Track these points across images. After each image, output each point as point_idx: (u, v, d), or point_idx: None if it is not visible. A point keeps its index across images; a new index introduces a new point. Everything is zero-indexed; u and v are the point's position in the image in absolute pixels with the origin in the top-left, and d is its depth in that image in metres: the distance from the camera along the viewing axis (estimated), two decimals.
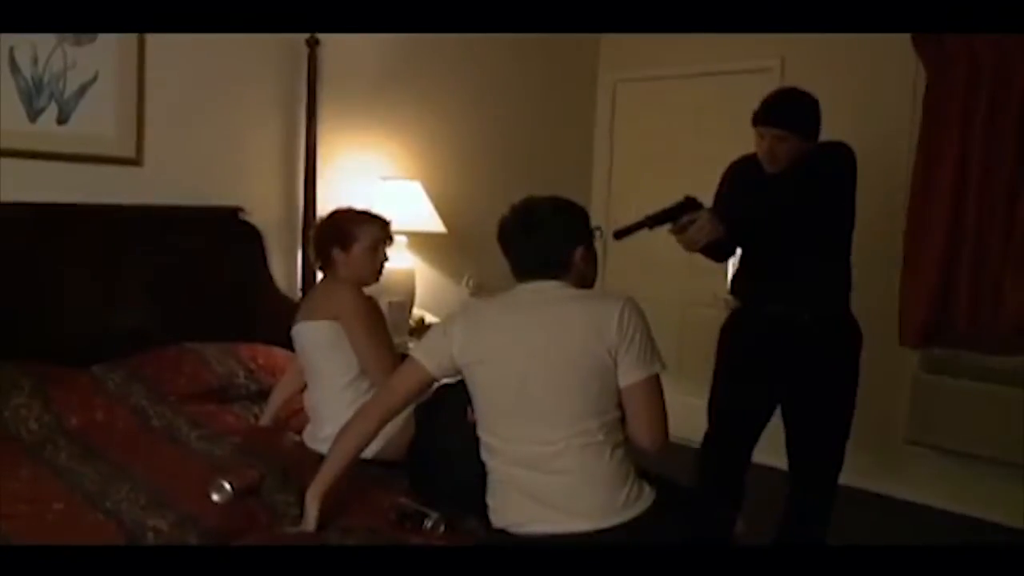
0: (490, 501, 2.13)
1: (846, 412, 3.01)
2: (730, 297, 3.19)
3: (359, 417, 2.23)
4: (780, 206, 2.82)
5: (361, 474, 2.46)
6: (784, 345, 2.94)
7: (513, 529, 2.05)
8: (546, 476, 2.01)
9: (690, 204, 2.73)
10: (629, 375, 2.02)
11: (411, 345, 3.82)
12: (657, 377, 2.06)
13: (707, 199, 2.89)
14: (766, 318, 2.97)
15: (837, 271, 3.01)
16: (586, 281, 2.20)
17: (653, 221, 2.72)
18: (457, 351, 2.12)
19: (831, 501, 3.08)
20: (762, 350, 2.98)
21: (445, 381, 2.29)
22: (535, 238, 2.15)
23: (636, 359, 2.02)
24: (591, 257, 2.21)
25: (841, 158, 2.91)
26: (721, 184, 3.12)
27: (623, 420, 2.06)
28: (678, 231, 2.70)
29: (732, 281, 3.17)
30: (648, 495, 2.04)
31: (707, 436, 3.13)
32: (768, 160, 2.90)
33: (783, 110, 2.90)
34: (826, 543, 3.02)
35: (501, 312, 2.15)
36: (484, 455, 2.13)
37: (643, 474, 2.09)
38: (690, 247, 2.74)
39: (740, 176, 3.08)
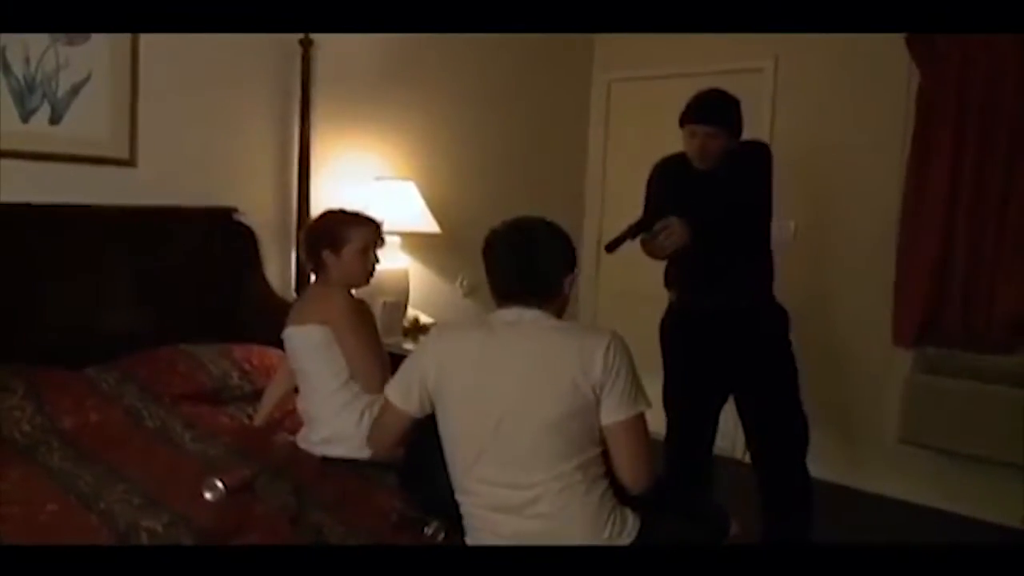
0: (468, 542, 2.05)
1: (794, 391, 3.15)
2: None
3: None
4: (723, 203, 2.96)
5: (356, 475, 2.47)
6: (726, 334, 3.09)
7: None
8: (524, 520, 1.94)
9: (659, 212, 2.89)
10: (612, 414, 1.94)
11: (408, 346, 3.83)
12: (642, 415, 1.98)
13: None
14: (707, 310, 3.12)
15: (765, 260, 3.18)
16: (563, 310, 2.14)
17: (634, 231, 2.87)
18: (432, 386, 2.05)
19: (808, 484, 3.18)
20: (706, 340, 3.13)
21: None
22: (531, 258, 2.05)
23: (620, 397, 1.94)
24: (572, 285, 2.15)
25: (763, 155, 3.10)
26: (649, 185, 3.26)
27: (604, 454, 1.99)
28: (649, 239, 2.89)
29: (666, 275, 3.28)
30: (632, 526, 1.98)
31: (669, 430, 3.25)
32: (699, 157, 3.03)
33: (713, 108, 3.05)
34: (811, 531, 3.13)
35: (477, 344, 2.03)
36: (458, 497, 2.05)
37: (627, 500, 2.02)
38: (656, 254, 2.97)
39: (668, 176, 3.22)
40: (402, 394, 2.12)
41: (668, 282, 3.27)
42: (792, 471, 3.17)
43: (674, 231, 2.82)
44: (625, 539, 1.95)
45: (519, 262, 2.06)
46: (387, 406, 2.16)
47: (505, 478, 1.95)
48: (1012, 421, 3.75)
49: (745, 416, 3.21)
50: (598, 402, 1.94)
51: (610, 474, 2.00)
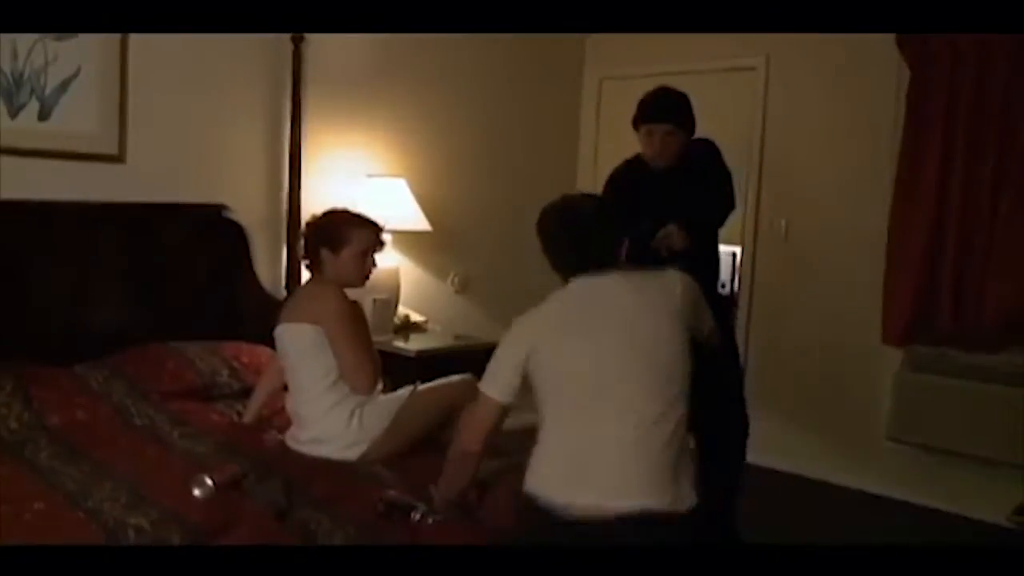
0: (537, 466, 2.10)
1: (739, 377, 3.31)
2: None
3: (456, 464, 2.26)
4: (697, 202, 3.03)
5: (349, 472, 2.47)
6: None
7: (552, 499, 2.02)
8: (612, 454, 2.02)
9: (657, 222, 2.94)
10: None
11: (399, 344, 3.82)
12: None
13: None
14: None
15: (716, 252, 3.28)
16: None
17: (638, 243, 2.83)
18: (531, 367, 2.11)
19: (740, 469, 3.25)
20: None
21: None
22: (607, 228, 2.21)
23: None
24: None
25: (715, 152, 3.18)
26: (607, 194, 3.23)
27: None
28: (651, 247, 2.93)
29: None
30: (689, 496, 2.04)
31: None
32: (659, 156, 3.07)
33: (671, 106, 3.08)
34: (731, 513, 3.16)
35: (569, 311, 2.16)
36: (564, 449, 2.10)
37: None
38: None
39: (626, 181, 3.23)
40: (500, 388, 2.17)
41: None
42: (736, 459, 3.22)
43: (675, 237, 2.92)
44: (683, 505, 2.02)
45: (601, 230, 2.20)
46: (485, 401, 2.19)
47: (612, 416, 2.04)
48: (1002, 419, 3.76)
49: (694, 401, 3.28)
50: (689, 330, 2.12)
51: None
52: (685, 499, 2.02)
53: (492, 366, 2.19)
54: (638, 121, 3.10)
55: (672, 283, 2.17)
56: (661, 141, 3.04)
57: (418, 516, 2.12)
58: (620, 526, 1.94)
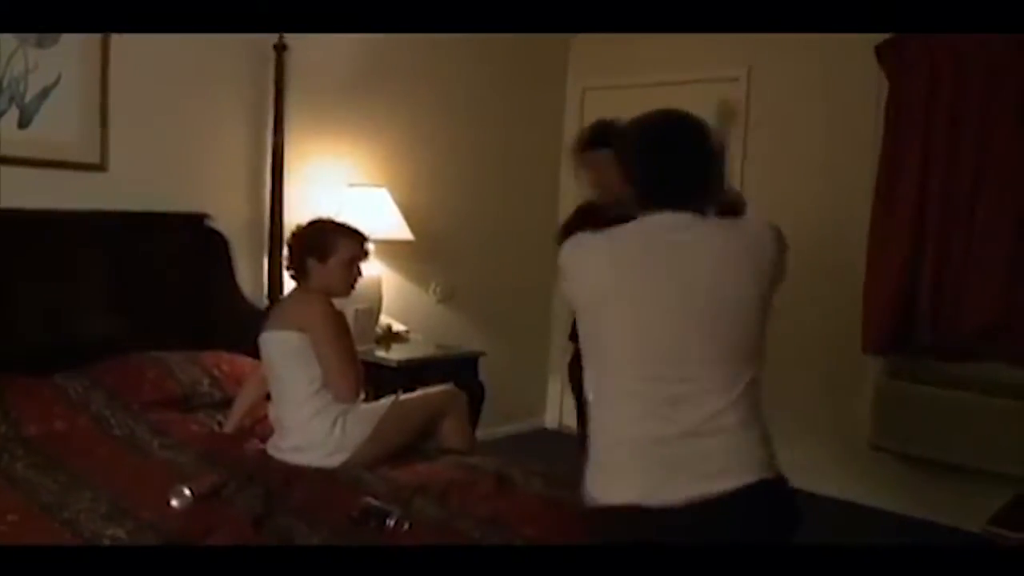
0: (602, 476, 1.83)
1: None
2: None
3: None
4: None
5: (330, 479, 2.46)
6: None
7: (644, 502, 1.75)
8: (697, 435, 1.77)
9: None
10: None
11: (380, 354, 3.82)
12: None
13: None
14: None
15: None
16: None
17: None
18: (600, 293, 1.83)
19: None
20: None
21: None
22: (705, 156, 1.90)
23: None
24: None
25: None
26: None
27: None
28: None
29: None
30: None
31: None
32: (602, 188, 2.78)
33: (609, 132, 2.71)
34: None
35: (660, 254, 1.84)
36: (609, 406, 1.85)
37: None
38: None
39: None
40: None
41: None
42: None
43: None
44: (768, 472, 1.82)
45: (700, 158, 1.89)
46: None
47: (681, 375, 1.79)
48: (982, 428, 3.79)
49: None
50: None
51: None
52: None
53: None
54: (583, 148, 2.87)
55: (764, 237, 1.86)
56: (604, 170, 2.55)
57: (392, 523, 2.12)
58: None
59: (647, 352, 1.80)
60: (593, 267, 1.85)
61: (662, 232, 1.83)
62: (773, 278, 1.86)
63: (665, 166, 1.87)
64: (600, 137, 2.81)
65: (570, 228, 2.66)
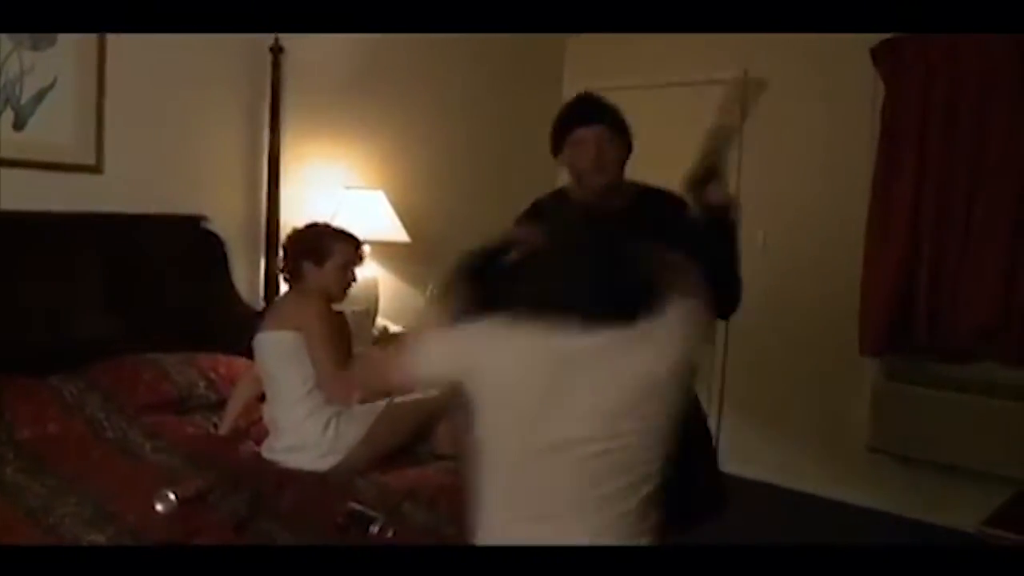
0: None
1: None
2: None
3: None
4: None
5: (320, 483, 2.45)
6: None
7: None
8: None
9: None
10: None
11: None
12: None
13: None
14: None
15: None
16: None
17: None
18: (475, 384, 1.73)
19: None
20: None
21: None
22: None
23: None
24: None
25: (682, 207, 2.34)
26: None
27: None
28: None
29: None
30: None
31: None
32: (596, 169, 2.32)
33: (603, 106, 2.38)
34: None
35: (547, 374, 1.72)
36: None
37: None
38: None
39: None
40: (432, 367, 1.83)
41: None
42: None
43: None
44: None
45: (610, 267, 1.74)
46: (409, 363, 1.85)
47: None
48: (979, 429, 3.79)
49: None
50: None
51: None
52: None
53: (443, 340, 1.83)
54: (567, 126, 2.36)
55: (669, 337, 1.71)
56: (597, 147, 2.30)
57: (376, 529, 2.11)
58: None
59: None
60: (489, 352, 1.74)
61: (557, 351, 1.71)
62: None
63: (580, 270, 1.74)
64: (593, 111, 2.38)
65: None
